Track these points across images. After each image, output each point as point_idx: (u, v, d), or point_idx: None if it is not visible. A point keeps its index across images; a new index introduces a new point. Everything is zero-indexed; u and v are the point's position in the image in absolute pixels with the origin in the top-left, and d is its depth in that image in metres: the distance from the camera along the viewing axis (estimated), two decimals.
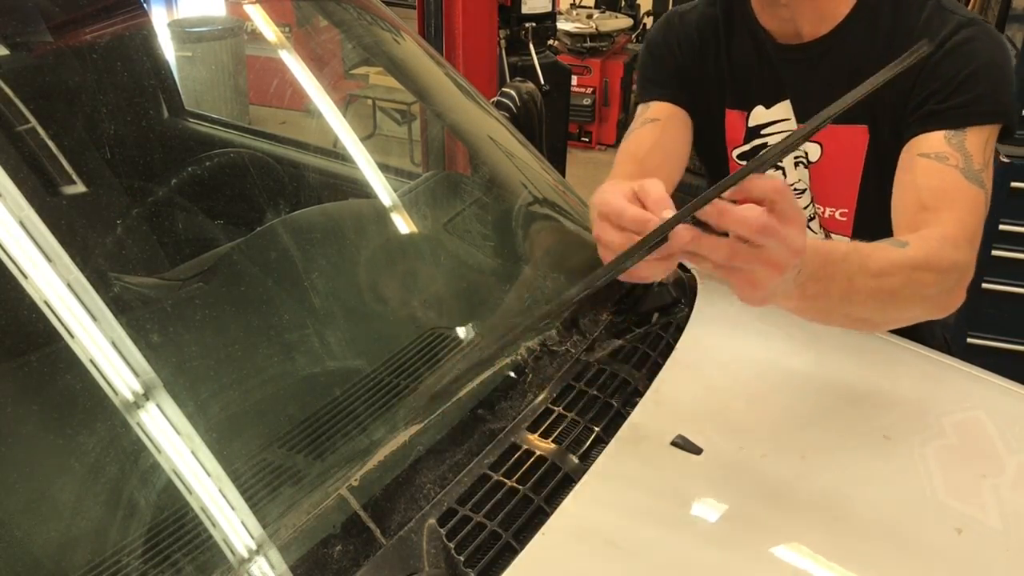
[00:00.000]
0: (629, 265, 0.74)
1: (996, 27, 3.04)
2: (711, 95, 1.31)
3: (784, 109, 1.26)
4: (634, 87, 4.16)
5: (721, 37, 1.29)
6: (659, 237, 0.72)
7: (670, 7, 5.96)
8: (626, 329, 1.17)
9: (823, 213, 1.29)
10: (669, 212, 0.75)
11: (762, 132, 1.28)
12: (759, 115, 1.28)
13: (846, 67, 1.19)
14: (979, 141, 1.10)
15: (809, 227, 1.31)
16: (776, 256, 0.71)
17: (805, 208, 1.30)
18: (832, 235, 1.31)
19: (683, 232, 0.71)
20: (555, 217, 1.44)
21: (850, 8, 1.19)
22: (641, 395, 1.03)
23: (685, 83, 1.32)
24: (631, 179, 0.85)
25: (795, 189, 1.28)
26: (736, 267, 0.73)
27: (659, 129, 1.29)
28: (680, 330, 1.17)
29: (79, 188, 1.24)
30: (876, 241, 1.00)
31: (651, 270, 0.78)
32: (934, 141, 1.10)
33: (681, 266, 1.25)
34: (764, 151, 0.75)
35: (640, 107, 1.36)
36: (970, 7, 3.38)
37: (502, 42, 3.45)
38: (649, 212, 0.75)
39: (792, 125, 1.25)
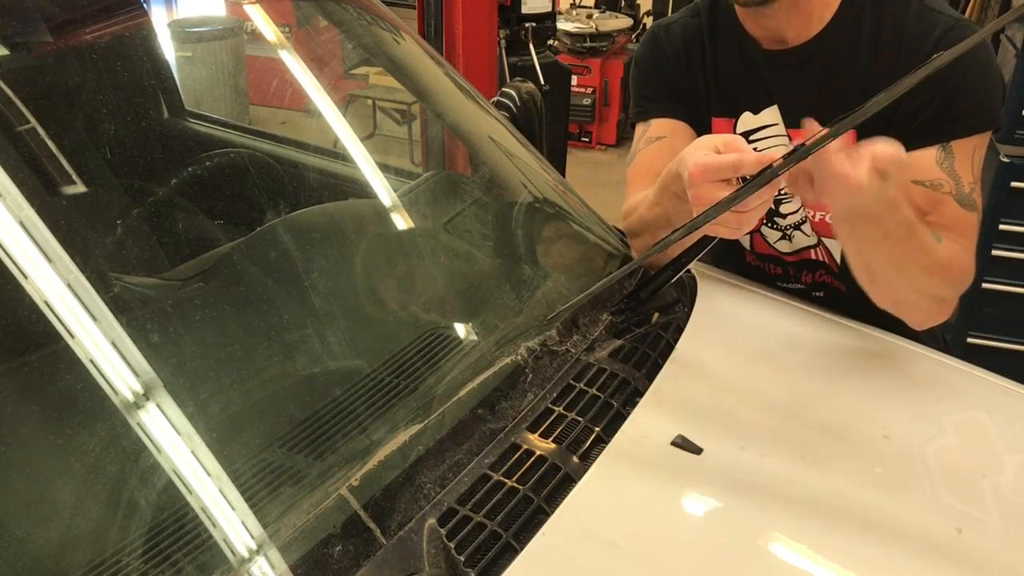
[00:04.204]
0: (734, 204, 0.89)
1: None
2: (698, 105, 1.32)
3: (772, 114, 1.26)
4: None
5: (706, 47, 1.30)
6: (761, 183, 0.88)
7: (670, 7, 5.98)
8: (626, 329, 1.17)
9: (814, 217, 1.29)
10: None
11: (750, 138, 1.28)
12: (747, 121, 1.28)
13: (832, 69, 1.20)
14: (967, 157, 1.13)
15: (800, 230, 1.31)
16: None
17: (796, 211, 1.30)
18: (824, 239, 1.31)
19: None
20: (555, 216, 1.44)
21: (833, 12, 1.19)
22: (641, 395, 1.03)
23: (678, 96, 1.32)
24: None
25: (786, 193, 1.28)
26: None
27: (667, 146, 1.29)
28: (680, 330, 1.17)
29: (79, 188, 1.24)
30: None
31: (738, 223, 0.94)
32: (926, 166, 1.13)
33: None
34: (799, 144, 0.87)
35: (639, 126, 1.36)
36: (970, 7, 3.37)
37: (502, 42, 3.45)
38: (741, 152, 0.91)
39: (780, 130, 1.26)
